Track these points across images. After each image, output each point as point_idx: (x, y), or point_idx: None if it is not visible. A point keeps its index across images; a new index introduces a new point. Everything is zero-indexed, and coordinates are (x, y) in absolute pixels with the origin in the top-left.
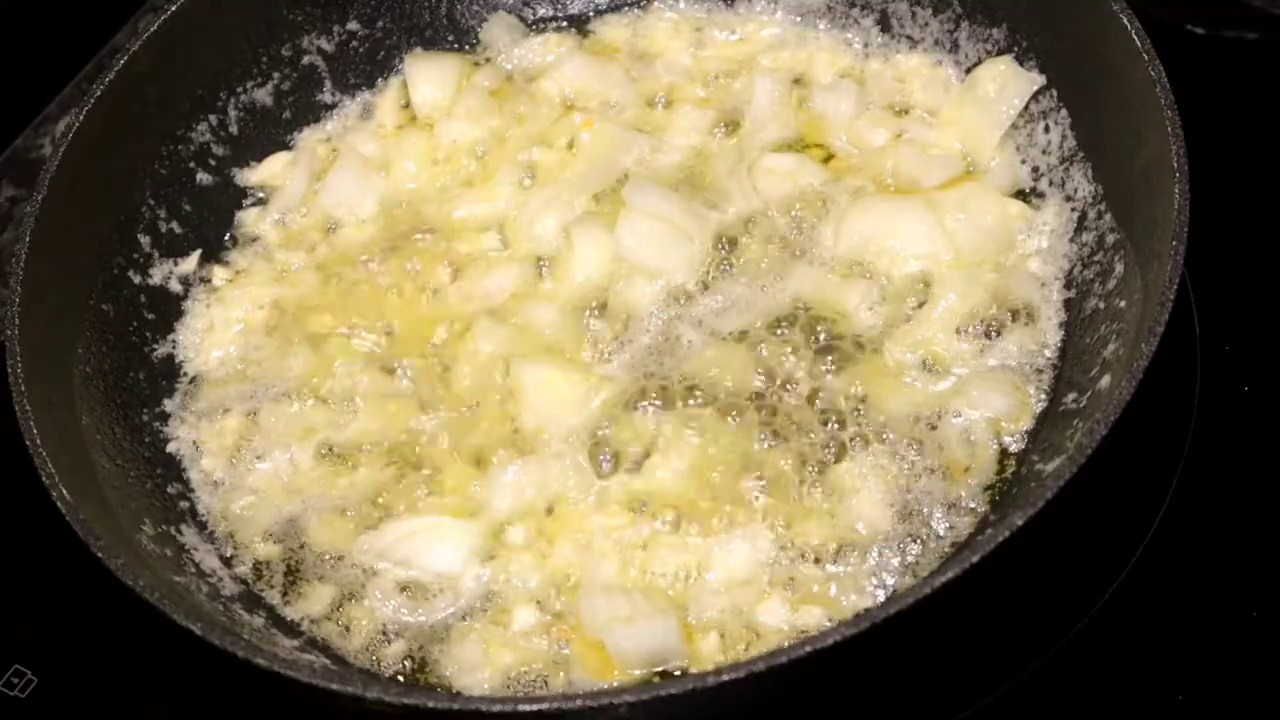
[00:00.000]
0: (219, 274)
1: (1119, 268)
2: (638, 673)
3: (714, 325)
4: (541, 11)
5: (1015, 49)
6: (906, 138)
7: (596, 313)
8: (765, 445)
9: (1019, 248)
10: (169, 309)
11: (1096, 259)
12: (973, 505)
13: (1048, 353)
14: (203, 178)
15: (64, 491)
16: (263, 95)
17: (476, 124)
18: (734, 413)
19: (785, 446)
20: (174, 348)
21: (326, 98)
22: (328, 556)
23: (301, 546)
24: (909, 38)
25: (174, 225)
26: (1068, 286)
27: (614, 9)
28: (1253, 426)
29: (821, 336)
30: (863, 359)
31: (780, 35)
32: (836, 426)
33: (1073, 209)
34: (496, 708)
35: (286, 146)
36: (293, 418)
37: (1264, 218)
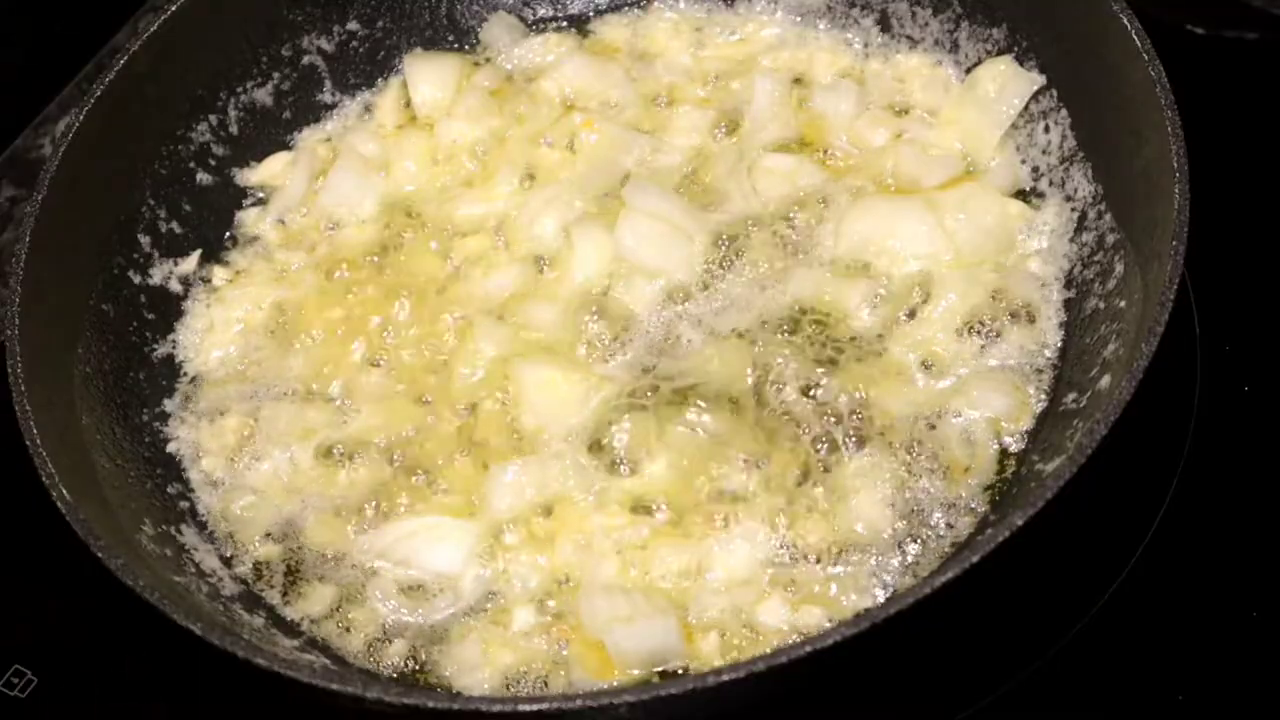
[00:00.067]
0: (219, 274)
1: (1119, 268)
2: (637, 673)
3: (714, 325)
4: (541, 11)
5: (1015, 49)
6: (906, 138)
7: (596, 313)
8: (765, 445)
9: (1019, 248)
10: (169, 309)
11: (1096, 259)
12: (973, 505)
13: (1048, 353)
14: (203, 178)
15: (64, 491)
16: (263, 95)
17: (476, 124)
18: (734, 412)
19: (785, 446)
20: (174, 348)
21: (326, 98)
22: (328, 556)
23: (301, 546)
24: (909, 38)
25: (174, 225)
26: (1068, 286)
27: (614, 9)
28: (1253, 426)
29: (821, 336)
30: (862, 359)
31: (780, 35)
32: (836, 426)
33: (1073, 209)
34: (496, 708)
35: (286, 146)
36: (293, 418)
37: (1264, 218)
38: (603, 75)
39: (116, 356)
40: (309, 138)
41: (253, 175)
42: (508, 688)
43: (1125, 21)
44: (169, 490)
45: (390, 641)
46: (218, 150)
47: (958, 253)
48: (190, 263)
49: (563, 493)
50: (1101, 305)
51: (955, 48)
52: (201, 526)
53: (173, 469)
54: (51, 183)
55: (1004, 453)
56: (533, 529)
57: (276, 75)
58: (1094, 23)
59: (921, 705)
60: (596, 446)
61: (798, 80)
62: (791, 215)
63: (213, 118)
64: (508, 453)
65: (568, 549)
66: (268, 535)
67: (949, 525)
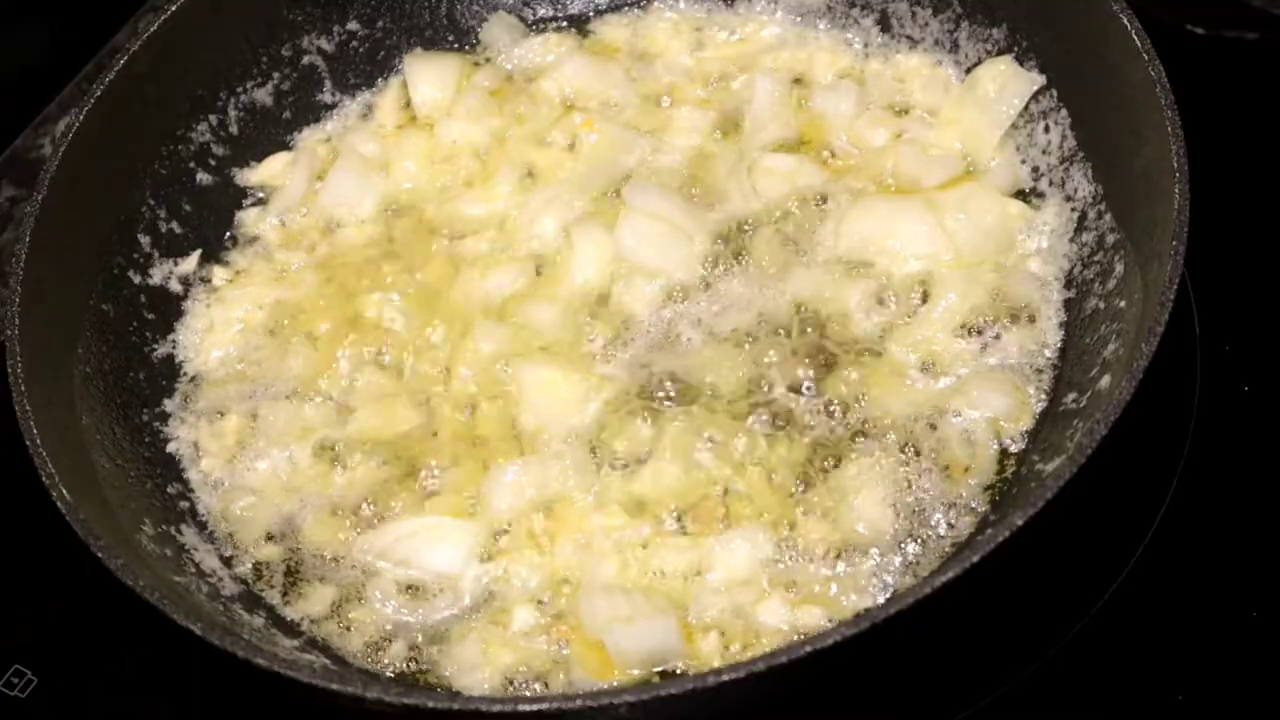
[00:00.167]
0: (219, 274)
1: (1119, 268)
2: (638, 673)
3: (714, 325)
4: (541, 11)
5: (1015, 49)
6: (906, 138)
7: (596, 313)
8: (765, 445)
9: (1019, 248)
10: (169, 309)
11: (1096, 259)
12: (973, 505)
13: (1048, 353)
14: (203, 178)
15: (64, 491)
16: (263, 95)
17: (476, 124)
18: (734, 413)
19: (785, 446)
20: (174, 348)
21: (326, 98)
22: (327, 556)
23: (301, 547)
24: (909, 38)
25: (174, 225)
26: (1068, 286)
27: (614, 9)
28: (1253, 426)
29: (821, 336)
30: (863, 359)
31: (780, 35)
32: (837, 426)
33: (1073, 209)
34: (496, 708)
35: (286, 146)
36: (292, 417)
37: (1264, 218)
38: (603, 75)
39: (116, 356)
40: (309, 138)
41: (253, 175)
42: (508, 688)
43: (1125, 21)
44: (169, 490)
45: (390, 641)
46: (218, 150)
47: (957, 253)
48: (190, 263)
49: (563, 493)
50: (1101, 305)
51: (955, 48)
52: (201, 526)
53: (173, 469)
54: (51, 183)
55: (1004, 453)
56: (532, 529)
57: (276, 75)
58: (1094, 23)
59: (921, 705)
60: (596, 446)
61: (798, 80)
62: (791, 215)
63: (213, 118)
64: (508, 453)
65: (568, 549)
66: (267, 535)
67: (949, 525)
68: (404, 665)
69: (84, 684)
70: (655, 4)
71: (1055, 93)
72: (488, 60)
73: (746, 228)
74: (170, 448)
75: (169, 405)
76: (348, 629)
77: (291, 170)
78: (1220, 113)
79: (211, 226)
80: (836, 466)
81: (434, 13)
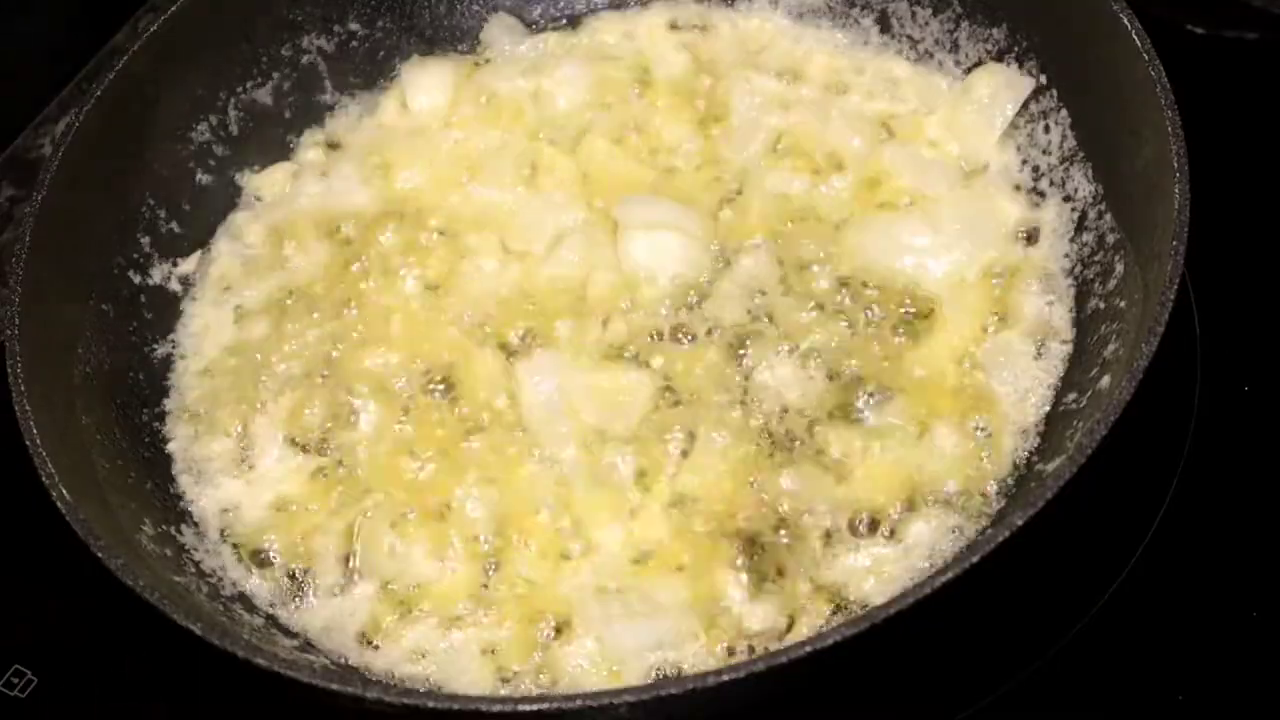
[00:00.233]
0: (218, 274)
1: (1119, 268)
2: (638, 672)
3: (718, 321)
4: (541, 12)
5: (1015, 49)
6: (903, 141)
7: (599, 313)
8: (783, 451)
9: (1019, 248)
10: (169, 309)
11: (1096, 259)
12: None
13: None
14: (203, 178)
15: (64, 491)
16: (263, 95)
17: (476, 125)
18: (745, 413)
19: (797, 445)
20: (174, 347)
21: (326, 98)
22: (326, 557)
23: (300, 546)
24: (909, 37)
25: (174, 225)
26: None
27: (614, 8)
28: (1253, 426)
29: (830, 342)
30: (864, 358)
31: (780, 35)
32: (844, 425)
33: (1073, 209)
34: (496, 708)
35: (287, 147)
36: (292, 417)
37: (1264, 218)
38: (602, 75)
39: (116, 356)
40: (309, 138)
41: (254, 182)
42: (506, 688)
43: (1125, 21)
44: (169, 490)
45: (390, 642)
46: (218, 150)
47: (957, 255)
48: (190, 263)
49: (567, 494)
50: (1101, 305)
51: (955, 48)
52: (201, 526)
53: (173, 469)
54: (51, 183)
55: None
56: (533, 530)
57: (276, 75)
58: (1094, 23)
59: (921, 705)
60: (604, 448)
61: (796, 81)
62: (787, 225)
63: (213, 118)
64: (511, 454)
65: (569, 549)
66: (267, 535)
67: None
68: (404, 665)
69: (84, 684)
70: (655, 3)
71: (1055, 93)
72: (487, 61)
73: (744, 234)
74: (170, 448)
75: (169, 405)
76: (348, 629)
77: (293, 178)
78: (1220, 113)
79: (211, 227)
80: (850, 460)
81: (434, 13)
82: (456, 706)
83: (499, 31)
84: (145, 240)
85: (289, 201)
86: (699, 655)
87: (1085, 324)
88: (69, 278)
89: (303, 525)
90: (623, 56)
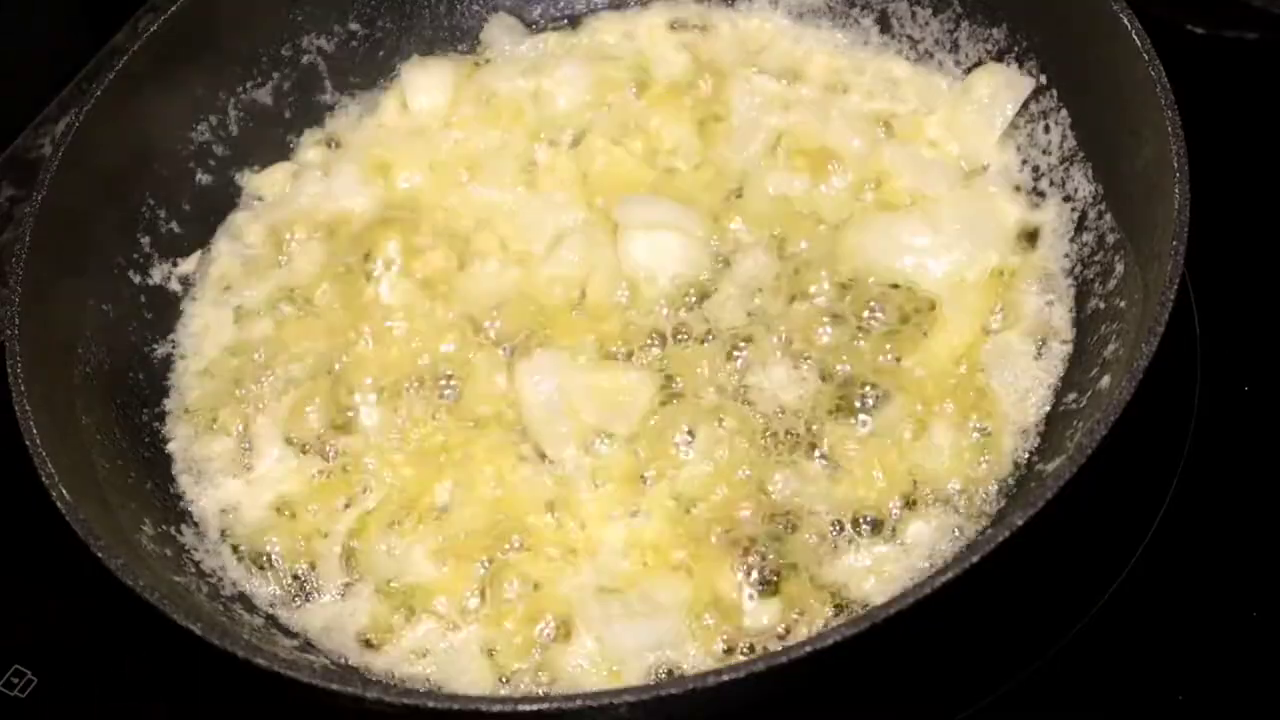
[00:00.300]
0: (218, 274)
1: (1119, 268)
2: (638, 672)
3: (718, 320)
4: (541, 12)
5: (1015, 49)
6: (903, 141)
7: (600, 313)
8: (786, 452)
9: (1019, 248)
10: (169, 309)
11: (1096, 259)
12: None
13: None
14: (203, 178)
15: (64, 491)
16: (263, 95)
17: (475, 126)
18: (750, 411)
19: (797, 444)
20: (174, 347)
21: (326, 98)
22: (327, 557)
23: (300, 546)
24: (909, 37)
25: (174, 225)
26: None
27: (614, 8)
28: (1253, 426)
29: (825, 340)
30: (864, 358)
31: (780, 35)
32: (844, 425)
33: (1073, 209)
34: (496, 708)
35: (287, 147)
36: (292, 417)
37: (1264, 218)
38: (602, 75)
39: (116, 356)
40: (309, 138)
41: (254, 182)
42: (506, 688)
43: (1125, 21)
44: (169, 490)
45: (390, 642)
46: (218, 150)
47: (957, 255)
48: (190, 263)
49: (570, 495)
50: (1101, 305)
51: (955, 48)
52: (201, 526)
53: (172, 469)
54: (51, 183)
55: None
56: (533, 530)
57: (276, 75)
58: (1094, 23)
59: (921, 705)
60: (604, 447)
61: (796, 80)
62: (787, 225)
63: (213, 118)
64: (514, 455)
65: (571, 550)
66: (267, 535)
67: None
68: (403, 665)
69: (84, 684)
70: (655, 3)
71: (1055, 93)
72: (487, 61)
73: (743, 234)
74: (170, 448)
75: (169, 405)
76: (348, 629)
77: (293, 178)
78: (1220, 113)
79: (211, 227)
80: (847, 459)
81: (434, 13)
82: (456, 706)
83: (499, 31)
84: (145, 240)
85: (289, 201)
86: (699, 655)
87: (1085, 324)
88: (69, 278)
89: (303, 525)
90: (623, 56)
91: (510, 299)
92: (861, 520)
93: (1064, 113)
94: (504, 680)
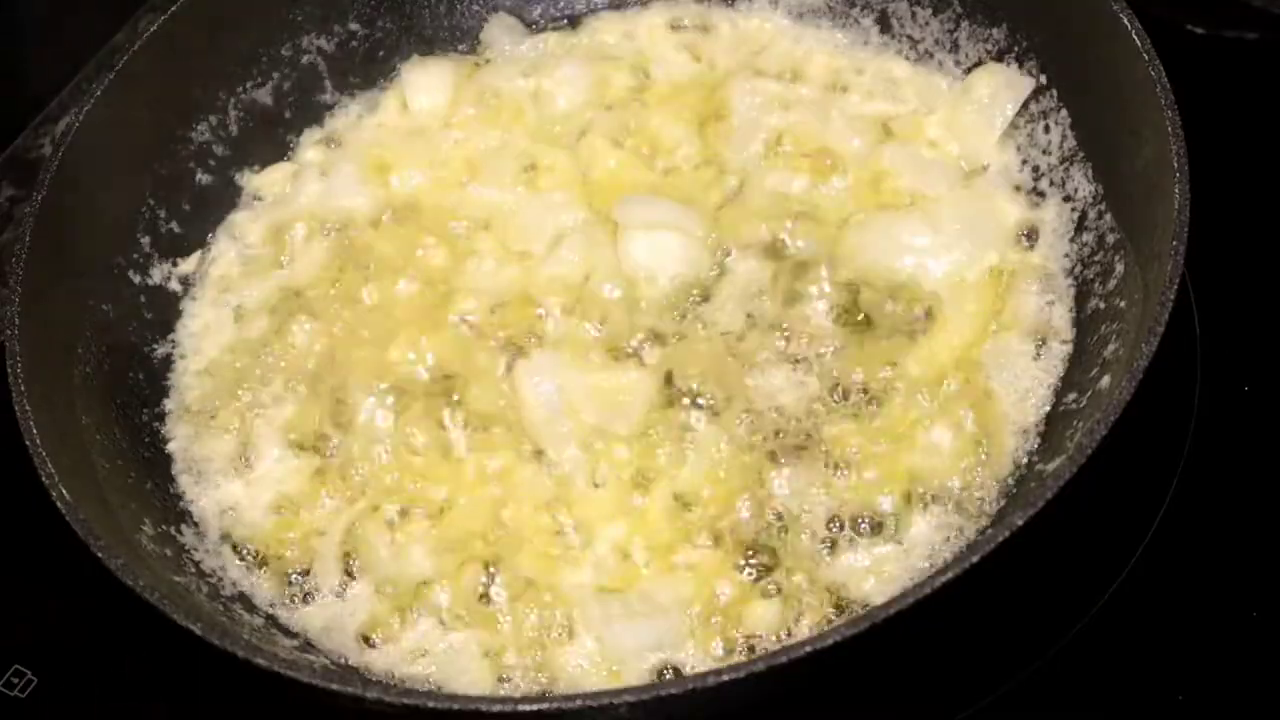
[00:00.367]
0: (218, 274)
1: (1119, 268)
2: (637, 672)
3: (717, 321)
4: (541, 12)
5: (1015, 49)
6: (903, 141)
7: (601, 313)
8: (774, 443)
9: (1019, 248)
10: (169, 309)
11: (1096, 259)
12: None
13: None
14: (203, 178)
15: (64, 491)
16: (263, 95)
17: (476, 125)
18: (748, 410)
19: (797, 444)
20: (174, 347)
21: (326, 98)
22: (327, 556)
23: (301, 546)
24: (909, 37)
25: (174, 225)
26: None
27: (614, 8)
28: (1253, 426)
29: (825, 340)
30: (864, 358)
31: (780, 35)
32: (844, 425)
33: (1073, 209)
34: (496, 708)
35: (287, 147)
36: (292, 417)
37: (1264, 218)
38: (602, 75)
39: (116, 356)
40: (309, 138)
41: (254, 182)
42: (505, 687)
43: (1125, 21)
44: (169, 490)
45: (390, 642)
46: (218, 150)
47: (957, 255)
48: (190, 263)
49: (568, 495)
50: (1101, 305)
51: (955, 48)
52: (201, 526)
53: (172, 469)
54: (51, 183)
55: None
56: (533, 530)
57: (276, 75)
58: (1094, 23)
59: (921, 705)
60: (605, 447)
61: (795, 81)
62: (787, 225)
63: (213, 118)
64: (511, 453)
65: (571, 549)
66: (267, 535)
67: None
68: (403, 665)
69: (84, 684)
70: (655, 3)
71: (1055, 93)
72: (487, 61)
73: (743, 237)
74: (170, 448)
75: (169, 405)
76: (348, 629)
77: (293, 178)
78: (1220, 113)
79: (211, 226)
80: (848, 465)
81: (434, 13)
82: (456, 706)
83: (499, 31)
84: (145, 240)
85: (289, 201)
86: (699, 655)
87: (1085, 324)
88: (69, 278)
89: (303, 525)
90: (623, 56)
91: (510, 299)
92: (861, 520)
93: (1064, 113)
94: (504, 680)
